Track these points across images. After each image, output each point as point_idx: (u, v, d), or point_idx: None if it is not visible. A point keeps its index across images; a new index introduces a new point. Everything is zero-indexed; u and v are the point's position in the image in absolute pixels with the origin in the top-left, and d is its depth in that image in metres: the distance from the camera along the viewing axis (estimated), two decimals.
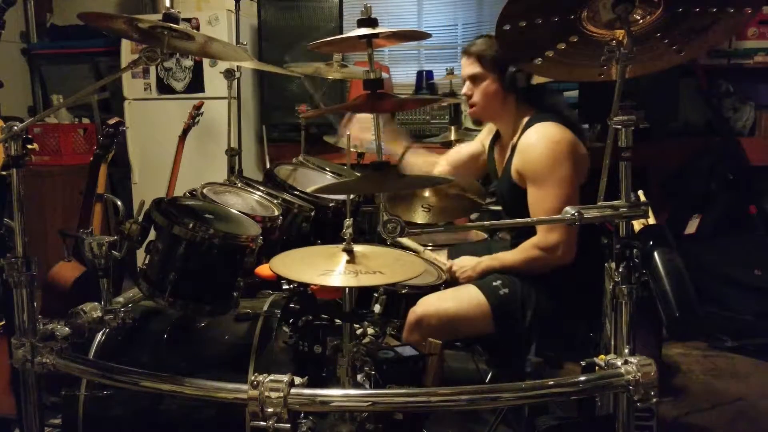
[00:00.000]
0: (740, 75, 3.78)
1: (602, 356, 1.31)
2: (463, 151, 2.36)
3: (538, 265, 1.88)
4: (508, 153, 2.02)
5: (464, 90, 2.05)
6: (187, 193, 1.99)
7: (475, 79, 2.00)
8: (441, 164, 2.36)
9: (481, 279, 1.97)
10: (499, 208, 2.24)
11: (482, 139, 2.29)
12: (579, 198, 1.84)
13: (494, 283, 1.91)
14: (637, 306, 1.29)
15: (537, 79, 2.02)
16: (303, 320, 1.74)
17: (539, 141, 1.87)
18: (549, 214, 1.78)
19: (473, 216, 2.99)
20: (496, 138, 2.18)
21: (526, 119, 1.97)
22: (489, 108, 2.02)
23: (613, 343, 1.31)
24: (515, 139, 1.98)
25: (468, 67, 2.02)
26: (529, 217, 1.86)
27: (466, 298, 1.89)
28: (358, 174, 2.47)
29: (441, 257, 2.19)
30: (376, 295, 1.90)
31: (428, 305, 1.87)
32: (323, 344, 1.64)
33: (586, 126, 1.93)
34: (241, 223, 1.82)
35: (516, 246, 1.99)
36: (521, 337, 1.90)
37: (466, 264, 2.01)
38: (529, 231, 1.94)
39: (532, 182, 1.88)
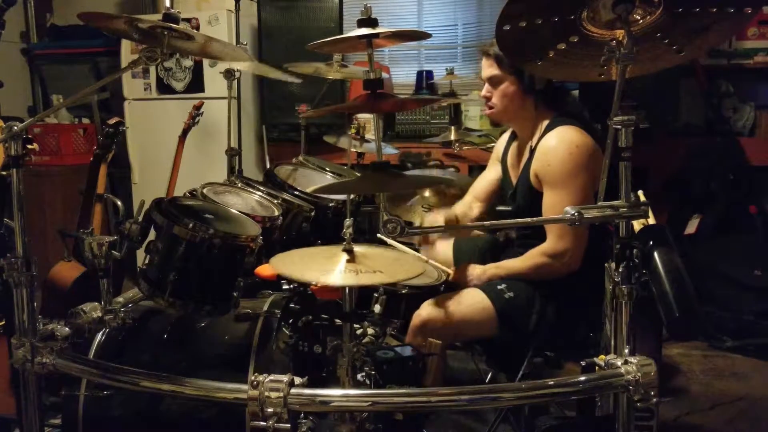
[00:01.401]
0: (740, 75, 3.78)
1: (602, 356, 1.31)
2: (487, 178, 2.29)
3: (545, 273, 1.87)
4: (527, 156, 2.00)
5: (483, 92, 2.03)
6: (187, 193, 1.99)
7: (494, 81, 1.99)
8: (474, 205, 2.28)
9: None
10: (502, 207, 2.23)
11: (496, 155, 2.26)
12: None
13: (499, 287, 1.90)
14: (637, 306, 1.29)
15: None
16: (303, 320, 1.74)
17: (560, 145, 1.85)
18: None
19: None
20: (510, 142, 2.17)
21: (546, 122, 1.95)
22: (508, 110, 2.00)
23: (613, 343, 1.31)
24: (534, 141, 1.97)
25: (487, 68, 1.99)
26: None
27: (470, 302, 1.88)
28: (358, 174, 2.47)
29: (445, 247, 2.18)
30: (376, 295, 1.89)
31: (432, 309, 1.87)
32: (323, 344, 1.64)
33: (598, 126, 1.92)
34: (241, 223, 1.82)
35: (522, 244, 1.99)
36: (525, 340, 1.90)
37: (471, 273, 1.99)
38: (536, 231, 1.93)
39: (548, 186, 1.87)
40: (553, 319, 1.87)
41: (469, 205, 2.27)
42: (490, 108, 2.03)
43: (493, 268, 1.97)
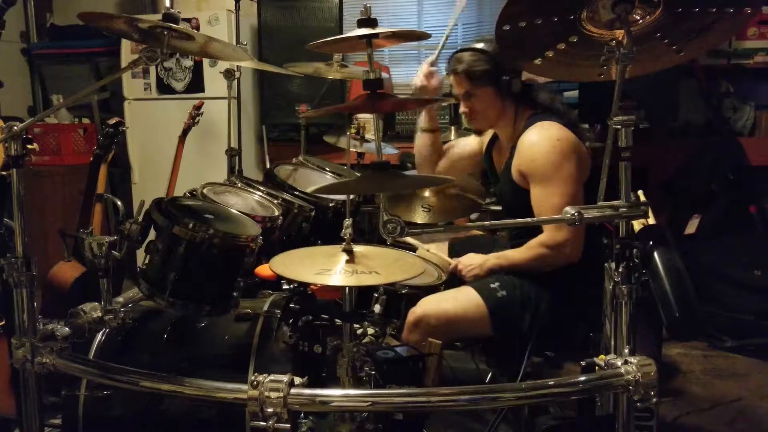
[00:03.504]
0: (740, 75, 3.78)
1: (602, 356, 1.31)
2: (461, 147, 2.35)
3: (546, 264, 1.88)
4: (508, 154, 2.01)
5: (462, 108, 2.04)
6: (187, 193, 1.99)
7: (468, 96, 2.00)
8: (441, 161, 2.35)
9: (483, 279, 1.97)
10: (499, 208, 2.24)
11: (482, 142, 2.29)
12: (583, 195, 1.85)
13: (492, 285, 1.90)
14: (637, 306, 1.29)
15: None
16: (303, 320, 1.74)
17: (540, 140, 1.87)
18: (553, 213, 1.77)
19: (473, 216, 2.99)
20: (494, 140, 2.18)
21: (525, 120, 1.97)
22: (490, 118, 2.03)
23: (613, 343, 1.31)
24: (515, 139, 1.98)
25: (458, 87, 2.01)
26: (530, 216, 1.86)
27: (464, 300, 1.89)
28: (358, 174, 2.48)
29: (443, 254, 2.19)
30: (376, 295, 1.90)
31: (428, 306, 1.87)
32: (323, 344, 1.64)
33: (586, 125, 1.93)
34: (241, 223, 1.82)
35: (515, 245, 1.99)
36: (520, 338, 1.90)
37: (473, 262, 2.00)
38: (529, 230, 1.94)
39: (535, 181, 1.87)
40: (547, 317, 1.87)
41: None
42: (472, 120, 2.05)
43: (494, 258, 1.98)
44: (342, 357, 1.46)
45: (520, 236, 2.02)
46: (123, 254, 1.57)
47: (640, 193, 1.36)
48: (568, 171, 1.83)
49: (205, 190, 2.02)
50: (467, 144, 2.36)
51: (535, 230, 1.91)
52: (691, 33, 1.32)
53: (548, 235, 1.86)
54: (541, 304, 1.88)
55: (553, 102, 2.01)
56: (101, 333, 1.72)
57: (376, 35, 1.34)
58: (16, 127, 1.41)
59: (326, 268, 1.31)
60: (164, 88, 3.95)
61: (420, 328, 1.84)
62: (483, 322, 1.87)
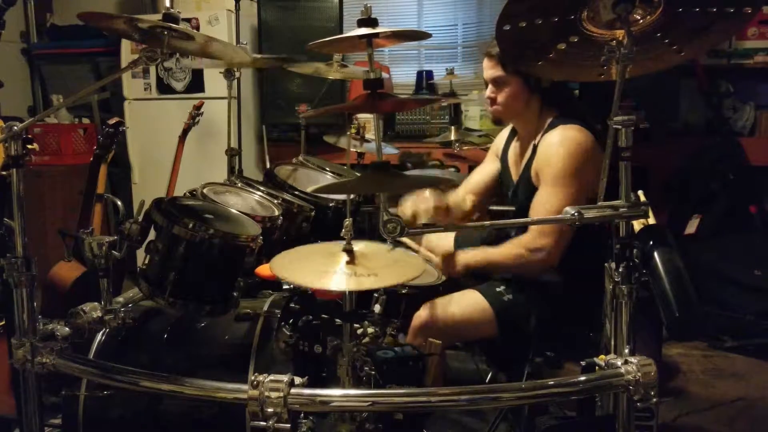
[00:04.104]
0: (740, 75, 3.78)
1: (602, 356, 1.31)
2: (483, 172, 2.28)
3: (522, 265, 1.86)
4: (529, 153, 1.99)
5: (487, 93, 2.01)
6: (187, 193, 1.99)
7: (498, 82, 1.97)
8: (467, 198, 2.25)
9: (489, 282, 1.96)
10: (503, 207, 2.22)
11: (496, 151, 2.26)
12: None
13: (498, 289, 1.90)
14: (637, 306, 1.29)
15: None
16: (303, 320, 1.74)
17: (562, 142, 1.85)
18: (549, 215, 1.77)
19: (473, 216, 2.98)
20: (511, 139, 2.16)
21: (549, 120, 1.94)
22: (513, 109, 1.99)
23: (613, 343, 1.31)
24: (537, 139, 1.96)
25: (491, 69, 1.98)
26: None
27: (470, 304, 1.88)
28: (358, 174, 2.48)
29: (445, 241, 2.17)
30: (376, 295, 1.89)
31: (433, 310, 1.87)
32: (323, 344, 1.64)
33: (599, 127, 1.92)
34: (241, 223, 1.82)
35: None
36: (525, 341, 1.90)
37: (452, 258, 1.97)
38: None
39: (544, 182, 1.86)
40: (552, 320, 1.87)
41: (462, 198, 2.25)
42: (495, 107, 2.01)
43: (471, 256, 1.95)
44: (342, 357, 1.46)
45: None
46: (123, 254, 1.57)
47: (640, 193, 1.36)
48: (578, 182, 1.81)
49: (205, 190, 2.02)
50: (485, 165, 2.29)
51: None
52: (691, 33, 1.32)
53: (530, 237, 1.85)
54: (547, 308, 1.88)
55: (577, 104, 2.00)
56: (101, 333, 1.72)
57: (376, 35, 1.34)
58: (16, 127, 1.41)
59: (327, 269, 1.31)
60: (164, 88, 3.95)
61: (426, 333, 1.83)
62: (489, 325, 1.87)
